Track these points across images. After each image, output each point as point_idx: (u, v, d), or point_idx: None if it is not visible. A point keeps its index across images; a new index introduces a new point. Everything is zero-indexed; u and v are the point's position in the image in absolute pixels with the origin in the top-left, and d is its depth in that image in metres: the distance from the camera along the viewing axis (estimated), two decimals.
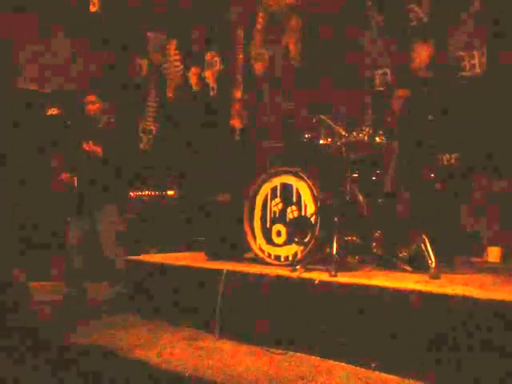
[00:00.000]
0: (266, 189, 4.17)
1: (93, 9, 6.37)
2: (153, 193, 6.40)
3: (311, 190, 3.91)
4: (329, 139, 4.01)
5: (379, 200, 4.06)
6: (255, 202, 4.20)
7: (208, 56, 7.01)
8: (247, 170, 5.70)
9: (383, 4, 5.62)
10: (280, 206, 4.08)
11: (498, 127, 4.82)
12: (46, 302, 4.80)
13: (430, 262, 3.52)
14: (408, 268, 3.71)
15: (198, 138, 7.03)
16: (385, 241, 3.92)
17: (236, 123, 6.77)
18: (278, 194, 4.09)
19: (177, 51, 7.27)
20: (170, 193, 6.41)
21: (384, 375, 2.90)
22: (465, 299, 2.78)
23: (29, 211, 6.34)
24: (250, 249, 4.21)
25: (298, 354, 3.26)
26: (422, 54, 5.12)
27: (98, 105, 4.71)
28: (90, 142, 4.53)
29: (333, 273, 3.41)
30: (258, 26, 6.50)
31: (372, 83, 5.65)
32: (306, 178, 3.95)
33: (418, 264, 3.66)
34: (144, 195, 6.37)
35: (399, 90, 4.37)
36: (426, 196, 3.89)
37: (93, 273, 4.81)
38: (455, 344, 2.73)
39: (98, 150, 4.52)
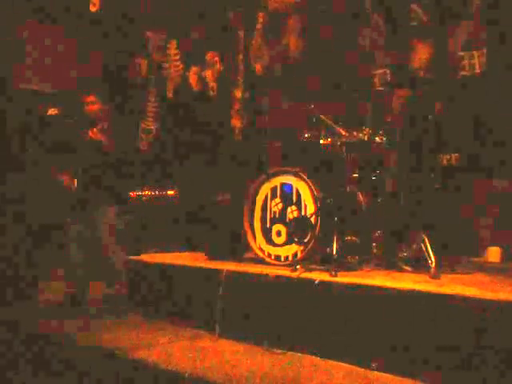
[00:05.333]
0: (266, 189, 4.17)
1: (93, 9, 6.37)
2: (153, 193, 6.39)
3: (311, 190, 3.91)
4: (329, 139, 4.01)
5: (379, 200, 4.06)
6: (255, 202, 4.20)
7: (208, 56, 7.01)
8: (247, 169, 5.70)
9: (383, 4, 5.61)
10: (280, 205, 4.08)
11: (498, 127, 4.81)
12: (46, 301, 4.80)
13: (430, 261, 3.52)
14: (408, 268, 3.71)
15: (197, 137, 7.03)
16: (385, 241, 3.92)
17: (236, 123, 6.77)
18: (278, 194, 4.09)
19: (177, 51, 7.26)
20: (170, 193, 6.41)
21: (384, 375, 2.90)
22: (465, 299, 2.78)
23: (29, 210, 6.33)
24: (250, 249, 4.21)
25: (298, 354, 3.26)
26: (422, 54, 5.12)
27: (97, 105, 4.70)
28: (95, 129, 4.52)
29: (333, 273, 3.41)
30: (258, 26, 6.50)
31: (372, 83, 5.65)
32: (305, 178, 3.95)
33: (417, 264, 3.66)
34: (144, 195, 6.37)
35: (399, 90, 4.37)
36: (426, 196, 3.89)
37: (93, 273, 4.80)
38: (455, 344, 2.74)
39: (103, 138, 4.50)
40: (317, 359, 3.18)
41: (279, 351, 3.32)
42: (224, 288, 3.73)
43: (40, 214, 6.31)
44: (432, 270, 3.47)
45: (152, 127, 7.52)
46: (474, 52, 5.02)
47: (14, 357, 3.61)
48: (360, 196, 3.99)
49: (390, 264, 3.81)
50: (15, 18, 6.47)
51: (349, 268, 3.71)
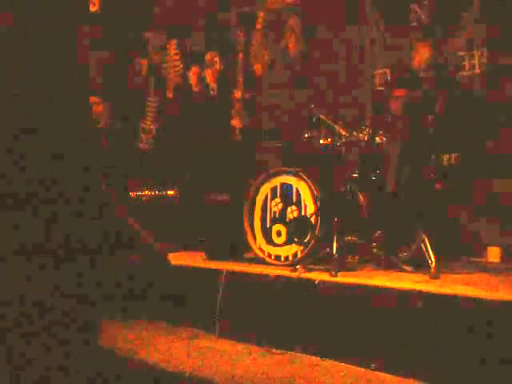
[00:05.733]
0: (266, 189, 4.17)
1: (93, 9, 6.37)
2: (153, 193, 6.39)
3: (311, 190, 3.91)
4: (329, 139, 4.01)
5: (379, 200, 4.06)
6: (255, 202, 4.20)
7: (208, 56, 7.00)
8: (247, 169, 5.70)
9: (383, 4, 5.61)
10: (280, 205, 4.08)
11: (498, 127, 4.81)
12: None
13: (430, 261, 3.52)
14: (408, 268, 3.71)
15: (197, 137, 7.02)
16: (385, 241, 3.92)
17: (236, 123, 6.77)
18: (278, 194, 4.09)
19: (177, 51, 7.26)
20: (170, 193, 6.40)
21: (384, 375, 2.91)
22: (465, 299, 2.78)
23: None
24: (250, 249, 4.21)
25: (298, 354, 3.26)
26: (422, 54, 5.11)
27: (100, 106, 4.71)
28: None
29: (333, 273, 3.41)
30: (258, 26, 6.50)
31: (372, 83, 5.65)
32: (306, 178, 3.95)
33: (417, 264, 3.66)
34: (144, 195, 6.36)
35: (396, 91, 4.37)
36: (426, 196, 3.89)
37: None
38: (455, 344, 2.73)
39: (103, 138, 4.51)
40: (317, 359, 3.18)
41: (279, 351, 3.32)
42: (224, 288, 3.73)
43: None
44: (432, 269, 3.47)
45: (152, 127, 7.51)
46: (474, 52, 5.02)
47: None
48: (360, 196, 3.99)
49: (389, 264, 3.81)
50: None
51: (349, 268, 3.71)
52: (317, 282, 3.34)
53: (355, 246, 3.88)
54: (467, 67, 5.06)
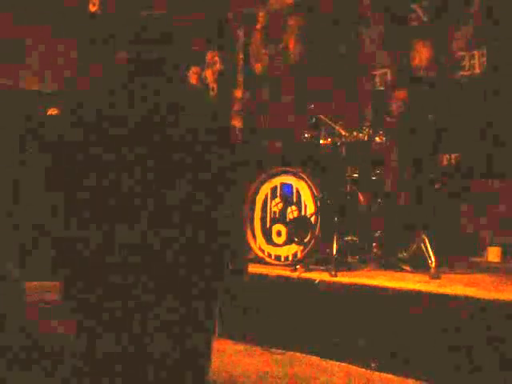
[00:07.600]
0: (265, 189, 4.17)
1: (93, 9, 6.37)
2: None
3: (311, 190, 3.92)
4: (329, 139, 4.01)
5: (379, 200, 4.06)
6: (255, 202, 4.20)
7: (208, 56, 7.00)
8: (247, 169, 5.70)
9: (383, 4, 5.61)
10: (280, 205, 4.08)
11: (498, 127, 4.81)
12: (46, 301, 4.79)
13: (429, 262, 3.52)
14: (408, 268, 3.71)
15: None
16: (385, 241, 3.92)
17: (236, 123, 6.77)
18: (278, 194, 4.10)
19: None
20: None
21: (384, 375, 2.90)
22: (465, 299, 2.78)
23: (28, 210, 6.32)
24: (250, 249, 4.21)
25: (298, 354, 3.26)
26: (422, 54, 5.11)
27: None
28: None
29: (333, 273, 3.41)
30: (258, 26, 6.50)
31: (372, 83, 5.65)
32: (305, 178, 3.95)
33: (417, 264, 3.67)
34: None
35: (396, 93, 4.37)
36: (426, 196, 3.89)
37: None
38: (455, 344, 2.74)
39: None
40: (317, 359, 3.18)
41: (279, 351, 3.32)
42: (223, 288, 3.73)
43: (39, 212, 6.30)
44: (432, 270, 3.47)
45: None
46: (474, 52, 5.02)
47: (9, 359, 3.60)
48: (360, 196, 3.99)
49: (389, 264, 3.82)
50: (15, 18, 6.47)
51: (349, 268, 3.71)
52: (317, 281, 3.34)
53: (355, 246, 3.88)
54: (467, 67, 5.07)
